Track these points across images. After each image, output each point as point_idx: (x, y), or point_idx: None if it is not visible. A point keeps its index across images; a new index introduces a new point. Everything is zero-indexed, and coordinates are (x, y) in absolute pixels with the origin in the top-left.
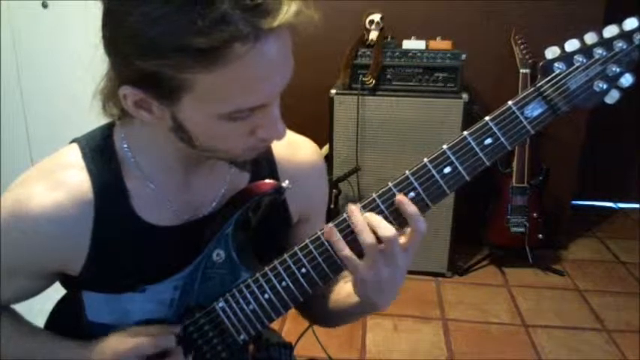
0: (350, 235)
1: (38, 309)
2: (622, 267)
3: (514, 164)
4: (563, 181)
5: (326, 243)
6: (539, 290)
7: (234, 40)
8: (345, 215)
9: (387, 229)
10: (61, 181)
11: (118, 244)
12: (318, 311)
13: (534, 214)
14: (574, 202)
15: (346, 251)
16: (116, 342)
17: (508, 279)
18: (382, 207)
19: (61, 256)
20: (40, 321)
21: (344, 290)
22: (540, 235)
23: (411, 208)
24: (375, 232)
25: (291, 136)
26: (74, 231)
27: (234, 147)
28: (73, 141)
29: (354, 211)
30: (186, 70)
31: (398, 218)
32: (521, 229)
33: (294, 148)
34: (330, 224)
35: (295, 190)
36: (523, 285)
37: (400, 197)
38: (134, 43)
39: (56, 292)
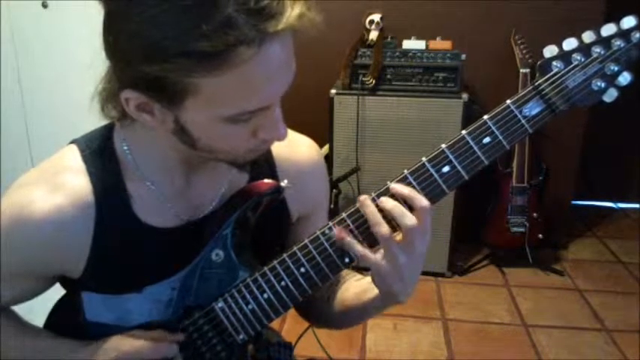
0: (361, 227)
1: (38, 309)
2: (622, 267)
3: (514, 164)
4: (563, 181)
5: (325, 243)
6: (539, 290)
7: (239, 44)
8: (357, 206)
9: (410, 218)
10: (61, 184)
11: (119, 247)
12: (323, 314)
13: (534, 214)
14: (574, 202)
15: (360, 248)
16: (119, 343)
17: (508, 279)
18: (377, 201)
19: (62, 259)
20: (40, 321)
21: (355, 288)
22: (540, 235)
23: (405, 191)
24: (392, 222)
25: (290, 134)
26: (75, 234)
27: (236, 148)
28: (72, 142)
29: (366, 201)
30: (191, 74)
31: None
32: (521, 229)
33: (294, 147)
34: (344, 214)
35: (295, 189)
36: (523, 285)
37: (392, 186)
38: (138, 48)
39: (56, 292)
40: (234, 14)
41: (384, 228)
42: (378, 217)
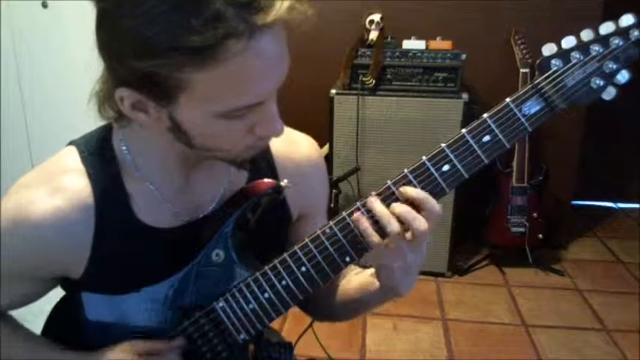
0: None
1: (38, 309)
2: (622, 267)
3: (514, 164)
4: (563, 181)
5: (326, 242)
6: (539, 290)
7: (228, 37)
8: (358, 204)
9: (422, 223)
10: (61, 186)
11: (119, 248)
12: (323, 307)
13: (534, 214)
14: (574, 202)
15: (375, 237)
16: (120, 353)
17: (508, 279)
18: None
19: (63, 261)
20: (40, 321)
21: (356, 281)
22: (540, 235)
23: (418, 193)
24: (404, 223)
25: (289, 133)
26: (75, 236)
27: (233, 146)
28: (71, 143)
29: (375, 202)
30: (182, 69)
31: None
32: (522, 229)
33: (293, 145)
34: (344, 213)
35: (294, 188)
36: (523, 285)
37: (402, 189)
38: (129, 44)
39: (56, 293)
40: (222, 8)
41: (396, 226)
42: (390, 215)
